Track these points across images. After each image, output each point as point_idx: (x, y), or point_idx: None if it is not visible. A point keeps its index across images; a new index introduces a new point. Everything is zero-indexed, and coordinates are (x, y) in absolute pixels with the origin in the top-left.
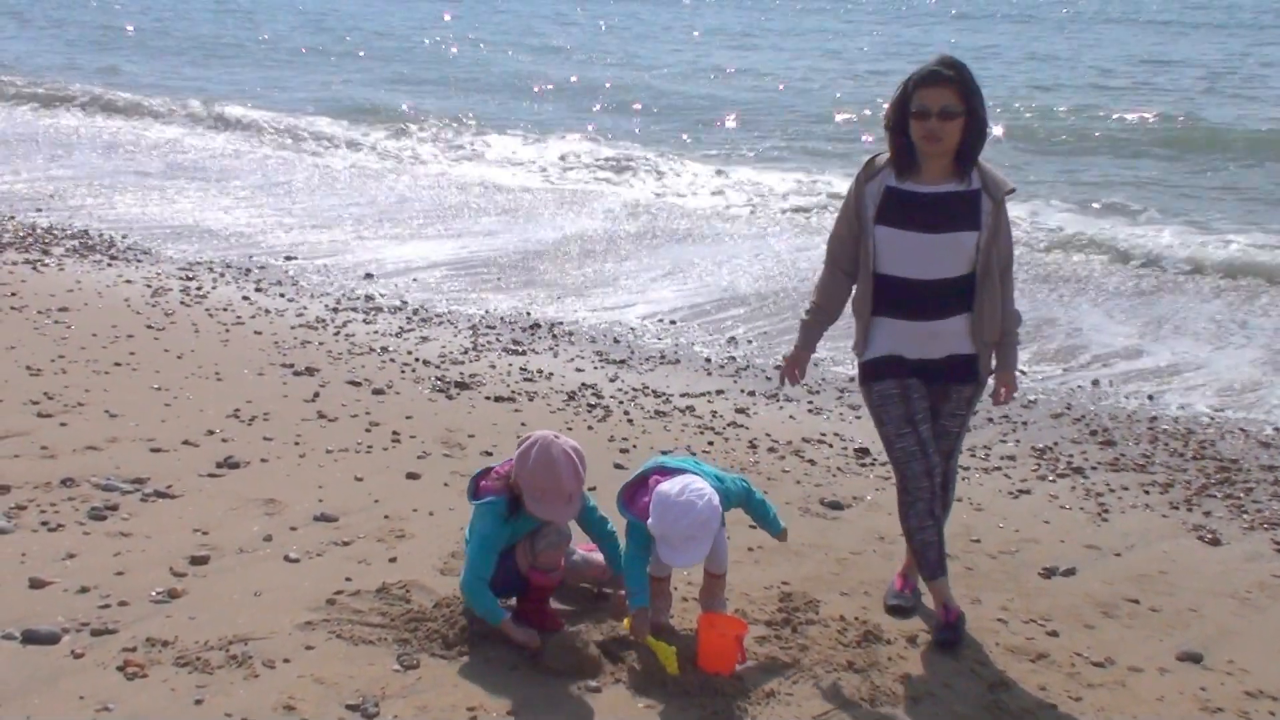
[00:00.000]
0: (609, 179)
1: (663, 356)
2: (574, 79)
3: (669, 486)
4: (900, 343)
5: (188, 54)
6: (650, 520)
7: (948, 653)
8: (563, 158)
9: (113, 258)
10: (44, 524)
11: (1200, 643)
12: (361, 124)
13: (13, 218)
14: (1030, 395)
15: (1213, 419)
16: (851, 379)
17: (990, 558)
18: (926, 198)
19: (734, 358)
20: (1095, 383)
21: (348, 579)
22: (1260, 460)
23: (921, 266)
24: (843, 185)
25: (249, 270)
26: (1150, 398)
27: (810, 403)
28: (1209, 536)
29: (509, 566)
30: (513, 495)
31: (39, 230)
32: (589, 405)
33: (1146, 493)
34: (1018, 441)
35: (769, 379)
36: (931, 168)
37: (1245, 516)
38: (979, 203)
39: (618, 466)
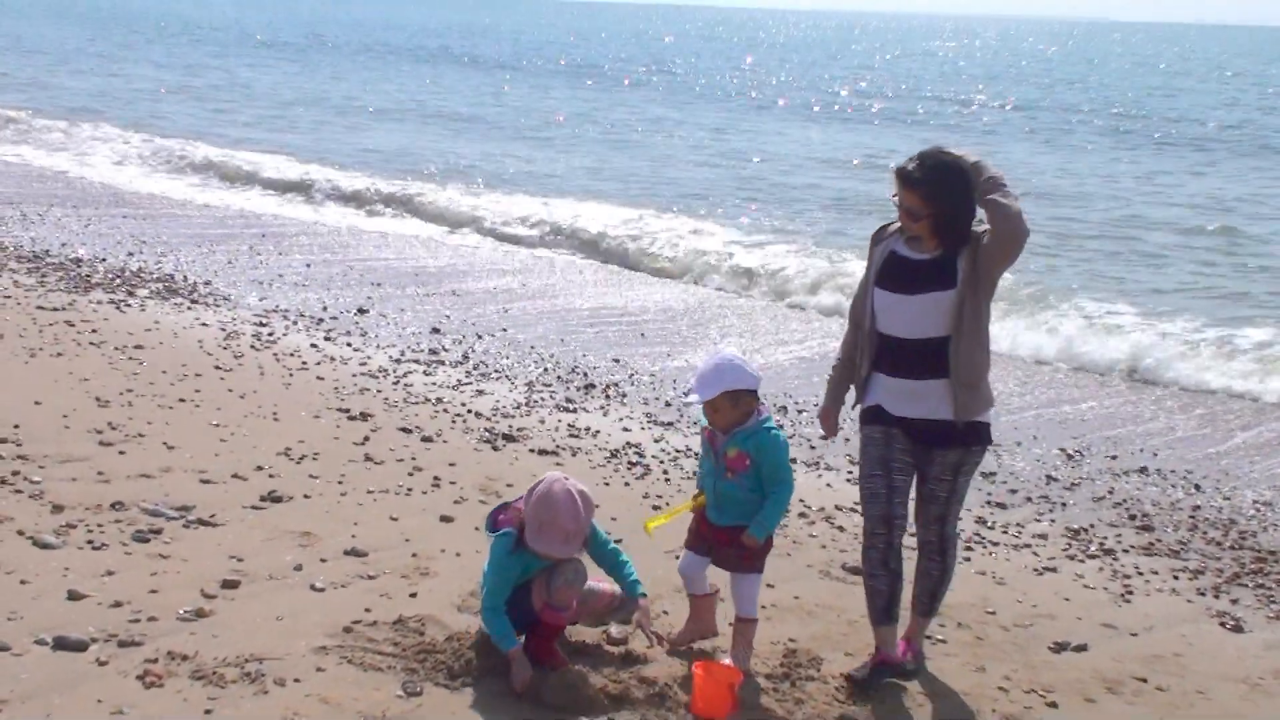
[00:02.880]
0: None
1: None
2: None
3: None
4: (886, 397)
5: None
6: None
7: (858, 692)
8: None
9: (193, 301)
10: (89, 543)
11: None
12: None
13: (104, 260)
14: (1075, 479)
15: (1258, 511)
16: None
17: (1003, 629)
18: (917, 263)
19: (781, 424)
20: (1143, 469)
21: (367, 610)
22: None
23: (905, 326)
24: None
25: (321, 320)
26: (1197, 486)
27: (850, 472)
28: (1231, 623)
29: (523, 601)
30: (522, 530)
31: (128, 273)
32: (630, 463)
33: (1175, 577)
34: (1053, 521)
35: (813, 448)
36: (925, 241)
37: (1274, 606)
38: (956, 260)
39: None
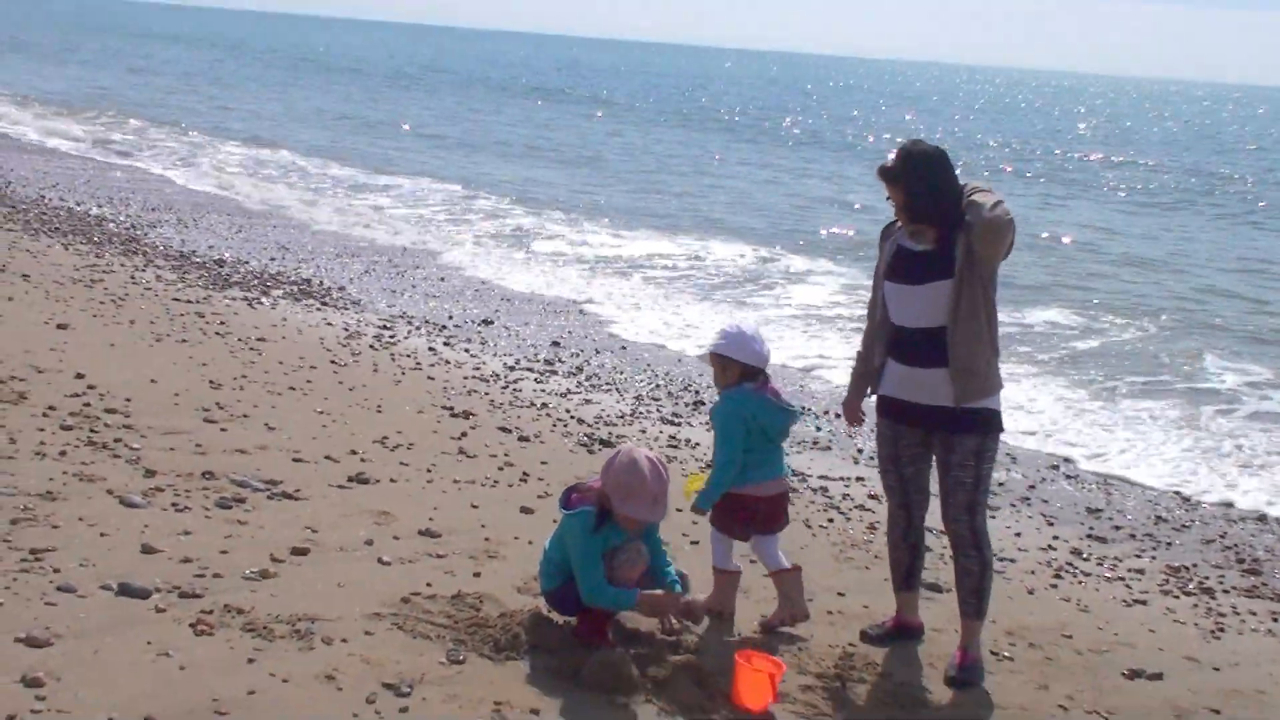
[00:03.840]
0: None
1: (815, 443)
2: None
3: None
4: (895, 385)
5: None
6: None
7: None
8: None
9: (324, 303)
10: (174, 505)
11: None
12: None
13: (246, 263)
14: (1185, 521)
15: None
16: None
17: (1076, 653)
18: (919, 255)
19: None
20: (1262, 517)
21: (428, 584)
22: None
23: (911, 316)
24: None
25: (444, 327)
26: None
27: None
28: None
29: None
30: (601, 508)
31: (266, 275)
32: None
33: (1275, 619)
34: (1154, 558)
35: None
36: (924, 232)
37: None
38: (953, 250)
39: None
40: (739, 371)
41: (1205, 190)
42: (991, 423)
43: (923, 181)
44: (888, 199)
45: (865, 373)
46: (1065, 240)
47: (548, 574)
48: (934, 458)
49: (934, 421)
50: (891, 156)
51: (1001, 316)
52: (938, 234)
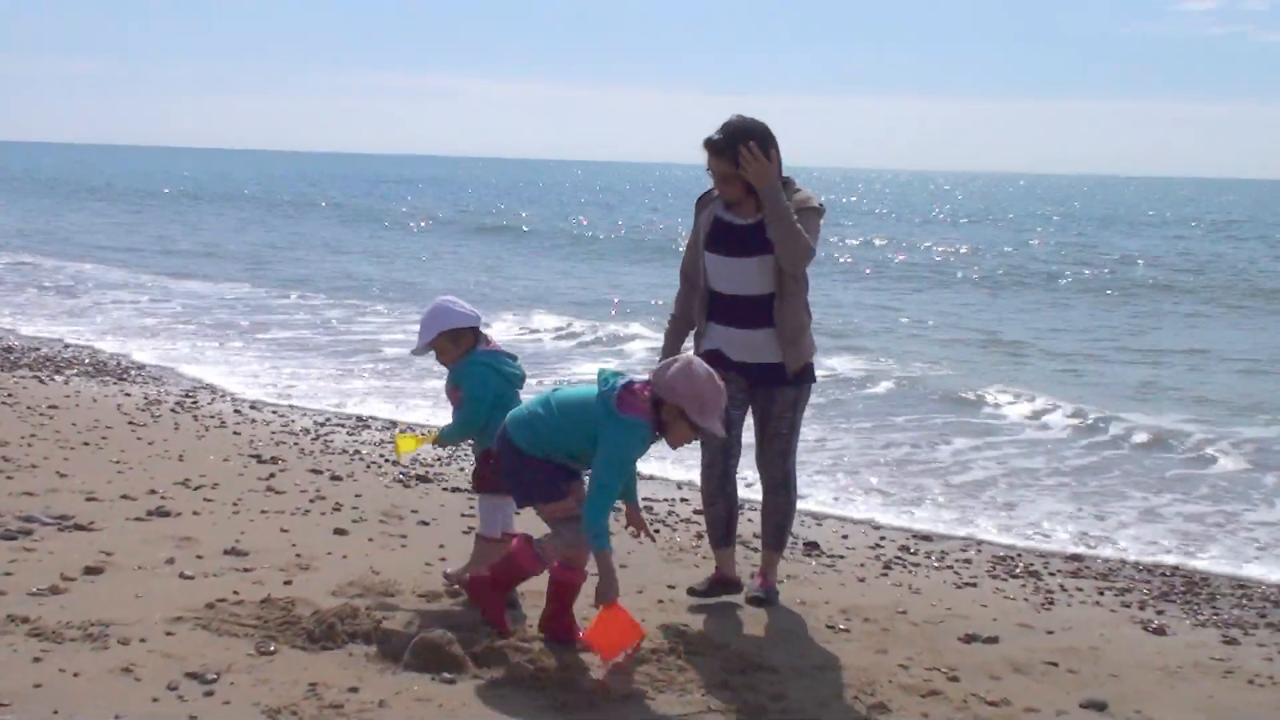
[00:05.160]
0: None
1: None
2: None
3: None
4: (723, 344)
5: None
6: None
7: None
8: None
9: (121, 378)
10: None
11: (1112, 697)
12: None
13: (37, 349)
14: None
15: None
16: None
17: (912, 624)
18: (740, 228)
19: None
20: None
21: (235, 592)
22: (1234, 580)
23: (734, 284)
24: None
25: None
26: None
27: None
28: (1155, 625)
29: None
30: (658, 421)
31: (59, 358)
32: None
33: (1102, 593)
34: (979, 550)
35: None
36: (743, 204)
37: (1200, 616)
38: (765, 229)
39: None
40: (471, 338)
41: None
42: (805, 375)
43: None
44: (709, 171)
45: (680, 332)
46: None
47: (530, 428)
48: (750, 407)
49: (756, 377)
50: (718, 131)
51: None
52: (758, 206)
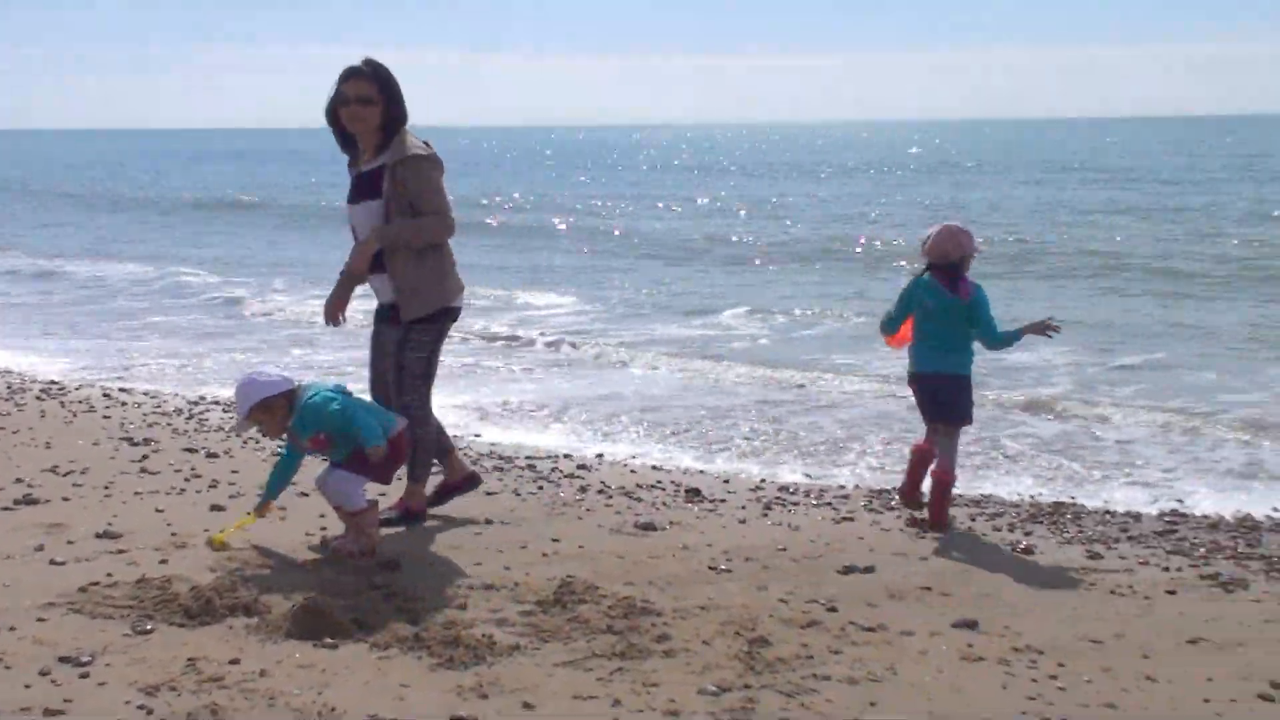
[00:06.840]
0: None
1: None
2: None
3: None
4: (373, 288)
5: None
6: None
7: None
8: None
9: None
10: None
11: (983, 616)
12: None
13: None
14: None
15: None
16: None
17: (792, 561)
18: (360, 176)
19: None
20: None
21: (109, 574)
22: (1096, 502)
23: (359, 230)
24: None
25: (121, 376)
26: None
27: (659, 460)
28: (1023, 546)
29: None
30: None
31: None
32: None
33: (974, 519)
34: (858, 486)
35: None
36: (366, 150)
37: (1065, 535)
38: (382, 175)
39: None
40: (285, 403)
41: None
42: (430, 319)
43: (393, 89)
44: (348, 104)
45: (349, 282)
46: None
47: None
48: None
49: (385, 316)
50: (362, 62)
51: None
52: (381, 139)
